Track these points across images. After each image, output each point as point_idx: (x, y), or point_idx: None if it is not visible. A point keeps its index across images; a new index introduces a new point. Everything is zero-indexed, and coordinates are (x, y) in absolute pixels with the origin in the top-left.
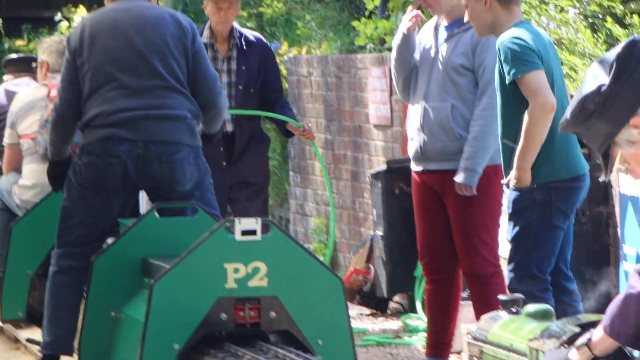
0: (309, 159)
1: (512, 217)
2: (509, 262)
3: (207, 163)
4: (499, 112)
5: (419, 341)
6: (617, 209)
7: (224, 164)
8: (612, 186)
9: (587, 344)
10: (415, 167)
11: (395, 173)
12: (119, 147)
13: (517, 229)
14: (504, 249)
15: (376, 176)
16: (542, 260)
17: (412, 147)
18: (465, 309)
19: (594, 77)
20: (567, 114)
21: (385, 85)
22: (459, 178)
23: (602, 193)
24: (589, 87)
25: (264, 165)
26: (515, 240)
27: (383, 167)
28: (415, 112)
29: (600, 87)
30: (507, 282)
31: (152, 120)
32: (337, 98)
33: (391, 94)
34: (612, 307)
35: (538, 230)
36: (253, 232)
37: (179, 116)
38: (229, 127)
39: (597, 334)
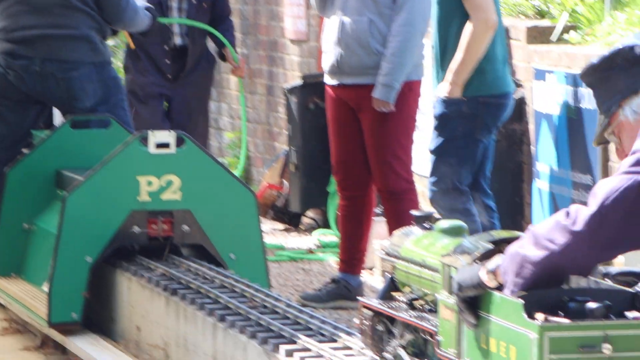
0: (224, 72)
1: (437, 128)
2: (431, 174)
3: (151, 74)
4: (434, 25)
5: (332, 257)
6: (531, 127)
7: (169, 76)
8: (527, 104)
9: (494, 270)
10: (330, 81)
11: (310, 88)
12: (16, 62)
13: (441, 140)
14: (418, 165)
15: (291, 91)
16: (464, 173)
17: (328, 61)
18: (379, 225)
19: (636, 37)
20: (594, 59)
21: None
22: (376, 94)
23: (517, 111)
24: (628, 41)
25: (207, 89)
26: (438, 152)
27: (298, 82)
28: (331, 26)
29: (636, 46)
30: (429, 195)
31: (50, 39)
32: (254, 12)
33: (307, 8)
34: (507, 256)
35: (462, 142)
36: (167, 145)
37: (79, 35)
38: (178, 41)
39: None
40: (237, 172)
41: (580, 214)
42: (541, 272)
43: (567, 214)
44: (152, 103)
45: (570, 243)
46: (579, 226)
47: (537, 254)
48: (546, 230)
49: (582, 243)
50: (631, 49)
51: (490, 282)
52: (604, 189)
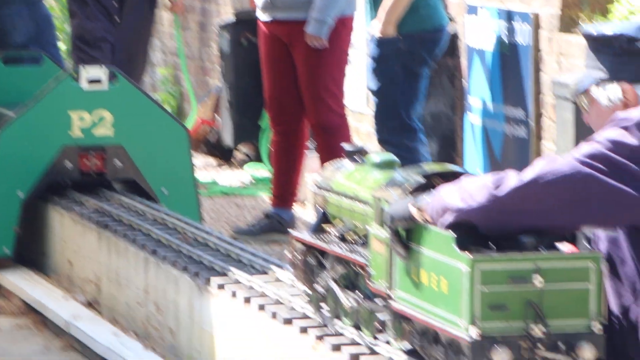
0: (157, 8)
1: (376, 69)
2: (377, 115)
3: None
4: None
5: (265, 191)
6: (463, 62)
7: (118, 20)
8: (459, 39)
9: (423, 207)
10: (262, 17)
11: (243, 25)
12: None
13: (382, 81)
14: (350, 100)
15: (224, 27)
16: (409, 109)
17: None
18: (311, 160)
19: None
20: (595, 31)
21: None
22: (309, 29)
23: (449, 46)
24: (632, 29)
25: (148, 30)
26: (381, 93)
27: (231, 18)
28: None
29: (637, 40)
30: (377, 136)
31: None
32: None
33: None
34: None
35: (404, 80)
36: (99, 81)
37: None
38: None
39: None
40: (191, 116)
41: (508, 181)
42: (457, 222)
43: (496, 177)
44: (101, 47)
45: (485, 204)
46: (501, 191)
47: (457, 204)
48: (474, 185)
49: (495, 207)
50: (630, 40)
51: (418, 217)
52: (546, 167)
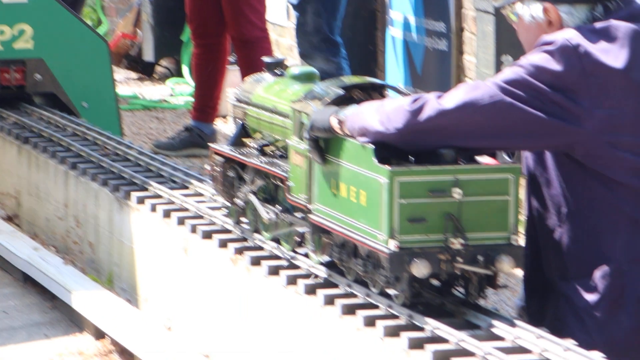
0: None
1: None
2: (298, 27)
3: None
4: None
5: (186, 105)
6: None
7: None
8: None
9: (343, 121)
10: None
11: None
12: None
13: None
14: (271, 13)
15: None
16: (331, 23)
17: None
18: (233, 74)
19: None
20: None
21: None
22: None
23: None
24: None
25: None
26: (301, 6)
27: None
28: None
29: None
30: (298, 50)
31: None
32: None
33: None
34: (356, 114)
35: None
36: None
37: None
38: None
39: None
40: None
41: (428, 106)
42: (374, 142)
43: (415, 100)
44: None
45: (403, 129)
46: (421, 117)
47: (374, 126)
48: (392, 107)
49: (413, 132)
50: None
51: (338, 130)
52: (468, 95)
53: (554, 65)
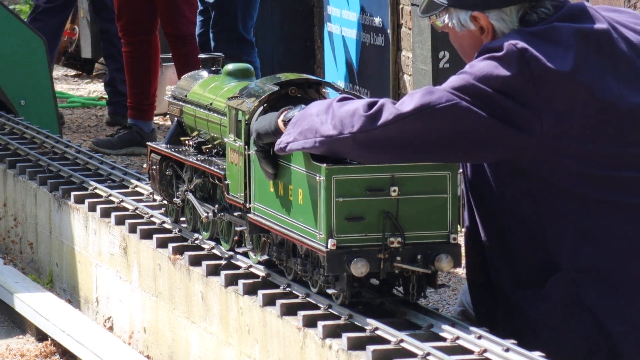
0: None
1: None
2: (214, 26)
3: None
4: None
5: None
6: None
7: None
8: None
9: (288, 121)
10: None
11: None
12: None
13: None
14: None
15: None
16: (247, 21)
17: None
18: (170, 70)
19: None
20: None
21: None
22: None
23: None
24: None
25: None
26: (218, 4)
27: None
28: None
29: None
30: (212, 44)
31: None
32: None
33: None
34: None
35: None
36: None
37: None
38: None
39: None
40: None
41: (385, 110)
42: (323, 148)
43: (370, 105)
44: None
45: (359, 135)
46: (377, 124)
47: (326, 130)
48: (346, 111)
49: (369, 140)
50: None
51: (284, 130)
52: (424, 99)
53: (502, 71)
